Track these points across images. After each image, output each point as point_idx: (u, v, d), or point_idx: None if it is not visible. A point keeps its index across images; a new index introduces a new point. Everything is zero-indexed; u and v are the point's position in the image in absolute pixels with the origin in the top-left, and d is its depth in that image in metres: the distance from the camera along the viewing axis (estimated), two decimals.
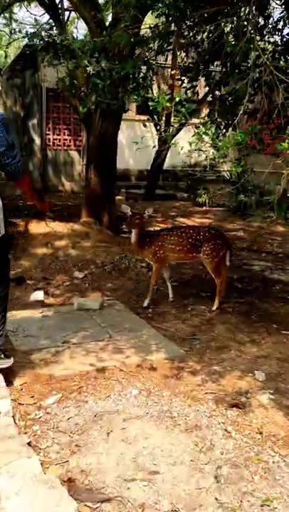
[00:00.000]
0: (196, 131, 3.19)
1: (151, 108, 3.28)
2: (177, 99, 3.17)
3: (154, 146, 4.87)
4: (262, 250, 7.99)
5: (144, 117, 12.54)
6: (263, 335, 4.55)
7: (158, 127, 9.63)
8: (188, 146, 3.61)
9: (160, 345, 4.14)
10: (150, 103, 3.19)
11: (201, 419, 3.15)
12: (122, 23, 3.60)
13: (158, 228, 8.71)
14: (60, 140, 13.06)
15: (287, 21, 4.29)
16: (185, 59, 4.74)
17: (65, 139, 13.07)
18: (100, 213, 7.95)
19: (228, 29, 3.86)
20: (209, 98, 4.87)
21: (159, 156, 10.77)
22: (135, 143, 3.80)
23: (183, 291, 5.76)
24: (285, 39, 4.57)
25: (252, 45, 3.04)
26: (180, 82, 5.10)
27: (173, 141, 3.55)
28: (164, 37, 3.76)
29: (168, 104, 3.11)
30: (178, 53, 5.22)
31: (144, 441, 2.82)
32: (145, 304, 5.11)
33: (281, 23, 4.49)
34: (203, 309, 5.17)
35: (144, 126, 4.75)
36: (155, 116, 8.40)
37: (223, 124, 4.24)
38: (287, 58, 4.39)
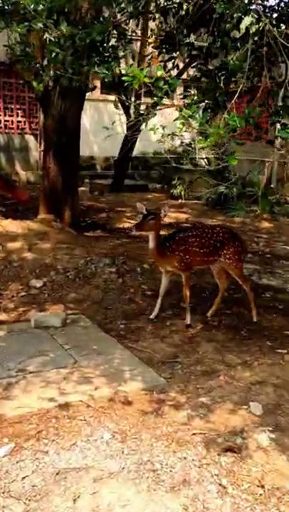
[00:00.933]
0: (181, 113, 3.00)
1: (126, 84, 2.98)
2: (159, 73, 2.97)
3: (129, 130, 4.49)
4: (247, 250, 7.81)
5: (111, 97, 12.19)
6: (255, 355, 4.35)
7: (128, 109, 9.34)
8: (160, 130, 3.55)
9: (135, 372, 3.97)
10: (125, 78, 2.95)
11: (190, 470, 2.90)
12: None
13: (127, 225, 8.58)
14: (13, 122, 12.62)
15: None
16: (164, 25, 4.44)
17: (19, 121, 12.66)
18: (60, 208, 7.74)
19: None
20: (193, 73, 4.58)
21: (128, 142, 10.47)
22: (105, 128, 3.50)
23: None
24: (282, 3, 4.27)
25: (248, 8, 2.73)
26: (157, 53, 4.79)
27: (151, 126, 3.36)
28: None
29: (146, 80, 2.87)
30: (155, 18, 4.93)
31: (121, 511, 2.45)
32: (187, 322, 4.97)
33: None
34: (183, 324, 5.00)
35: (116, 107, 4.42)
36: (123, 96, 8.08)
37: (210, 105, 3.94)
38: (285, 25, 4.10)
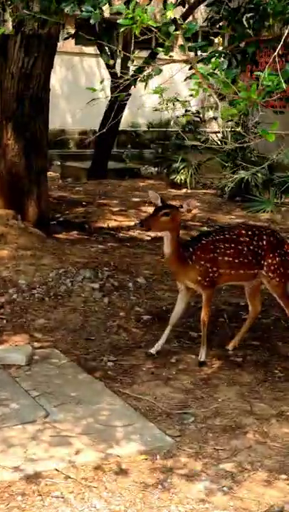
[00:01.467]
0: (197, 68, 2.99)
1: (115, 31, 2.99)
2: (169, 13, 2.99)
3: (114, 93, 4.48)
4: None
5: (89, 49, 12.19)
6: None
7: (113, 66, 9.35)
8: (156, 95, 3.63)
9: (131, 429, 3.99)
10: (121, 21, 2.98)
11: None
12: None
13: (113, 224, 8.57)
14: None
15: None
16: None
17: None
18: (22, 201, 7.82)
19: None
20: (207, 14, 4.61)
21: (112, 110, 10.44)
22: (90, 89, 3.54)
23: (159, 328, 5.61)
24: None
25: None
26: None
27: (150, 89, 3.41)
28: None
29: (152, 23, 2.90)
30: None
31: None
32: (202, 358, 4.99)
33: None
34: (194, 360, 5.06)
35: (107, 61, 4.46)
36: (106, 48, 8.05)
37: (236, 59, 3.94)
38: None
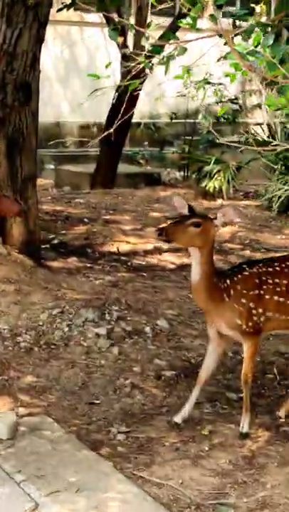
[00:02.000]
0: (233, 45, 3.06)
1: None
2: None
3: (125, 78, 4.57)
4: None
5: (91, 17, 12.29)
6: None
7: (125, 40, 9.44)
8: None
9: None
10: None
11: None
12: None
13: (125, 248, 8.57)
14: None
15: None
16: None
17: None
18: (3, 220, 7.79)
19: None
20: None
21: (123, 98, 10.52)
22: (93, 76, 3.52)
23: (186, 388, 5.67)
24: None
25: None
26: None
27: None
28: None
29: None
30: None
31: None
32: (244, 429, 4.97)
33: None
34: (230, 430, 5.02)
35: (114, 37, 4.53)
36: (115, 15, 8.14)
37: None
38: None
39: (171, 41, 4.25)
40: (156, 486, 4.37)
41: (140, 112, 12.65)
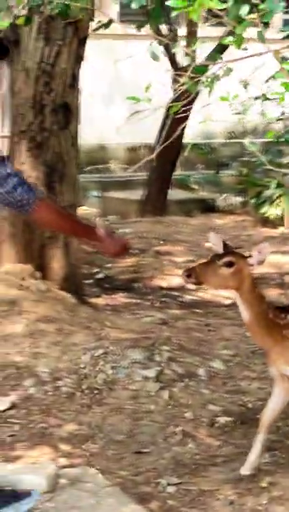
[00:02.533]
0: (282, 63, 3.32)
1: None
2: None
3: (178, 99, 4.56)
4: None
5: (134, 31, 12.39)
6: None
7: (174, 57, 9.27)
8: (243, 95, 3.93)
9: None
10: (170, 2, 3.24)
11: None
12: None
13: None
14: None
15: None
16: None
17: None
18: (43, 252, 7.94)
19: None
20: None
21: (174, 119, 10.45)
22: (132, 99, 3.79)
23: (244, 436, 5.50)
24: None
25: None
26: None
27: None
28: None
29: (214, 5, 3.12)
30: None
31: None
32: None
33: None
34: None
35: (154, 57, 4.70)
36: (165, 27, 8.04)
37: None
38: None
39: (216, 61, 4.29)
40: None
41: (193, 132, 12.49)
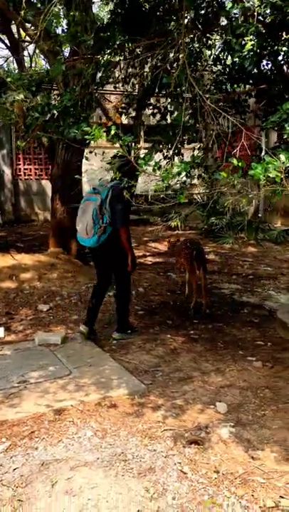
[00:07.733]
0: (139, 162, 3.37)
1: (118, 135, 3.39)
2: (112, 132, 3.32)
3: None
4: (232, 272, 8.37)
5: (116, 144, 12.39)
6: (228, 363, 4.82)
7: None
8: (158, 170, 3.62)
9: (121, 380, 4.38)
10: (86, 137, 3.40)
11: (157, 460, 3.31)
12: (58, 57, 3.88)
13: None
14: (31, 170, 14.15)
15: (226, 52, 4.71)
16: (129, 88, 5.08)
17: (36, 169, 14.19)
18: (67, 242, 8.35)
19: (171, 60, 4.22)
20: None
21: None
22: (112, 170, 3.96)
23: (150, 319, 6.01)
24: (227, 68, 5.10)
25: (185, 76, 3.31)
26: (123, 111, 5.37)
27: (151, 167, 3.56)
28: (105, 67, 4.20)
29: (103, 137, 3.30)
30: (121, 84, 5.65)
31: (89, 492, 2.99)
32: None
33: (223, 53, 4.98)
34: (168, 338, 5.39)
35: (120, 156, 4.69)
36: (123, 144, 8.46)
37: (170, 152, 4.57)
38: (232, 86, 4.88)
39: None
40: (127, 363, 4.76)
41: (140, 188, 11.69)
